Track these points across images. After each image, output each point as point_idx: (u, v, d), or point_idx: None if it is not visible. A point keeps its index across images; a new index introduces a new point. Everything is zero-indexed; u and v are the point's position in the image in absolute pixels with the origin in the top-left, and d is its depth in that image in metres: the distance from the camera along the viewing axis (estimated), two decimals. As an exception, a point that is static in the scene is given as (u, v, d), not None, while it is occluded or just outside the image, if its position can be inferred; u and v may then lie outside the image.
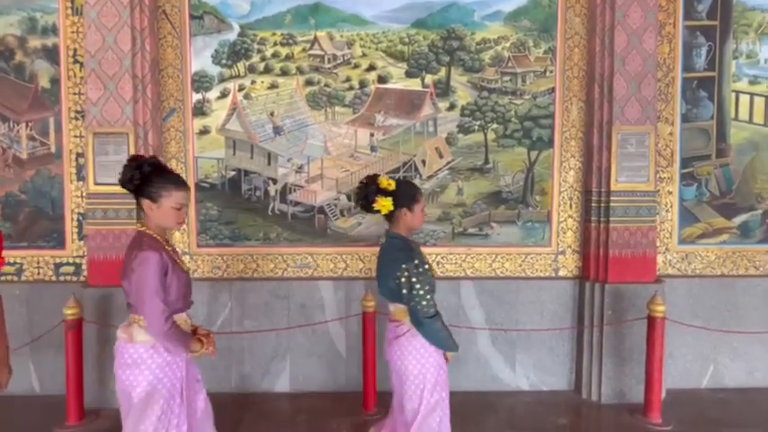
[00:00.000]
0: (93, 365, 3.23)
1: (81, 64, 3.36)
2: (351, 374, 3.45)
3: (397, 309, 2.09)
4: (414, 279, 1.96)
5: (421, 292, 1.96)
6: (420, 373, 2.03)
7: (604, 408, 3.24)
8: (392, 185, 2.02)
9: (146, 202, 1.84)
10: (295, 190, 3.48)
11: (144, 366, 1.81)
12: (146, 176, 1.81)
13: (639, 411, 3.06)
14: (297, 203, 3.49)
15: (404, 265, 1.97)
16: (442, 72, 3.45)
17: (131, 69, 3.19)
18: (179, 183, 1.87)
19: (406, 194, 2.04)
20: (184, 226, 3.51)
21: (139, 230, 1.88)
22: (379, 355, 3.20)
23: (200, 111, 3.46)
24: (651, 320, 2.99)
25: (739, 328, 3.47)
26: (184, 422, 1.87)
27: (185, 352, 1.87)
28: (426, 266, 2.04)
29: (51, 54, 3.42)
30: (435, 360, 2.05)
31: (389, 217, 2.06)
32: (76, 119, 3.44)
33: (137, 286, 1.79)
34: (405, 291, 1.99)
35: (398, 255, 2.01)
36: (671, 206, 3.55)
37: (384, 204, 2.00)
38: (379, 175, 2.08)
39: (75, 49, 3.40)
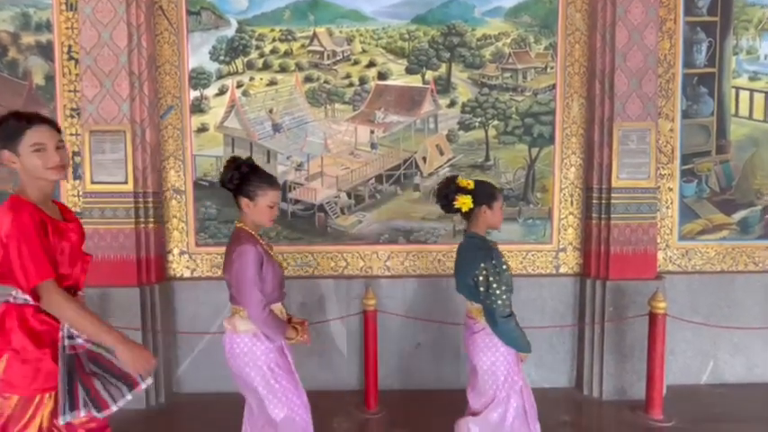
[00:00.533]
0: (92, 366, 3.20)
1: (76, 60, 3.31)
2: (352, 373, 3.44)
3: (473, 307, 2.17)
4: (491, 278, 2.02)
5: (497, 292, 2.02)
6: (490, 369, 2.12)
7: (606, 404, 3.25)
8: (471, 184, 2.11)
9: (243, 201, 1.98)
10: (295, 188, 3.45)
11: (252, 355, 1.99)
12: (244, 176, 1.95)
13: (641, 408, 3.07)
14: (297, 201, 3.46)
15: (482, 264, 2.04)
16: (443, 68, 3.43)
17: (128, 66, 3.14)
18: (273, 183, 2.01)
19: (484, 192, 2.12)
20: (183, 224, 3.48)
21: (238, 227, 2.04)
22: (381, 354, 3.19)
23: (197, 108, 3.41)
24: (652, 317, 2.99)
25: (739, 323, 3.48)
26: (303, 392, 2.08)
27: (282, 338, 2.03)
28: (504, 266, 2.09)
29: (45, 50, 3.36)
30: (506, 358, 2.12)
31: (468, 215, 2.14)
32: (72, 116, 3.39)
33: (236, 278, 1.94)
34: (482, 289, 2.05)
35: (477, 254, 2.08)
36: (671, 203, 3.56)
37: (464, 202, 2.08)
38: (457, 176, 2.20)
39: (69, 46, 3.35)
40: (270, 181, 2.00)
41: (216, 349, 3.40)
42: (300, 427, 2.06)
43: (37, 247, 1.55)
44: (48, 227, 1.61)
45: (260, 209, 1.97)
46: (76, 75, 3.33)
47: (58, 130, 1.67)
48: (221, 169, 3.39)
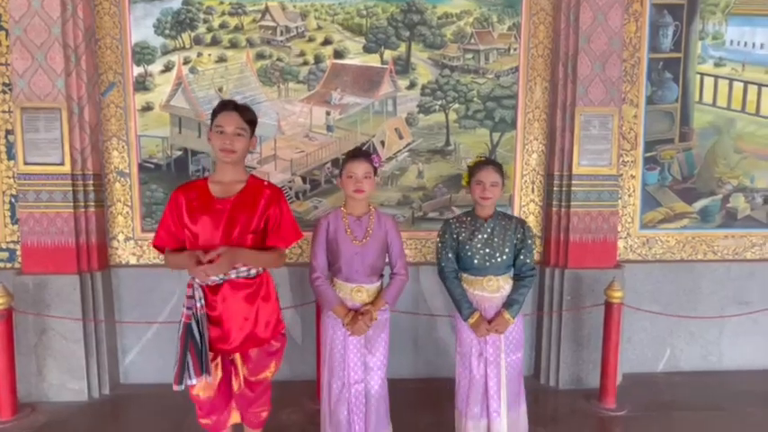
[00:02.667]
0: (29, 357, 3.04)
1: (6, 31, 3.07)
2: (307, 362, 3.35)
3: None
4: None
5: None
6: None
7: (561, 393, 3.23)
8: (472, 163, 2.38)
9: (338, 179, 2.23)
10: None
11: (326, 321, 2.28)
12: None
13: (595, 397, 3.05)
14: (249, 186, 3.30)
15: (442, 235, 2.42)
16: (402, 48, 3.28)
17: (62, 38, 2.91)
18: (350, 155, 2.18)
19: (469, 170, 2.34)
20: (128, 209, 3.30)
21: None
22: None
23: (141, 85, 3.21)
24: (608, 306, 2.95)
25: (697, 312, 3.49)
26: (340, 367, 2.22)
27: (326, 308, 2.23)
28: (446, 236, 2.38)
29: (-27, 19, 3.11)
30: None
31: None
32: (4, 92, 3.16)
33: None
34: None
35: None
36: (633, 190, 3.51)
37: (464, 177, 2.41)
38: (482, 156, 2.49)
39: (-1, 14, 3.10)
40: (350, 154, 2.19)
41: (165, 338, 3.29)
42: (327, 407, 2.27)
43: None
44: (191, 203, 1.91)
45: (343, 181, 2.17)
46: (7, 47, 3.09)
47: (249, 119, 1.94)
48: (168, 151, 3.29)
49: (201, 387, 1.94)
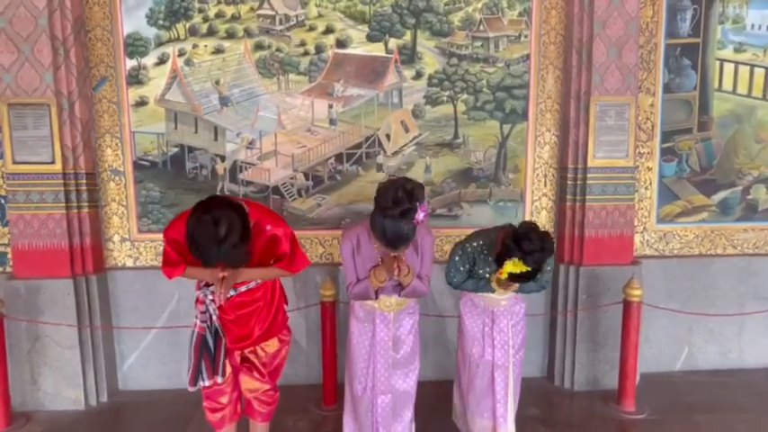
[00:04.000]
0: (23, 365, 2.92)
1: (-10, 23, 2.91)
2: (311, 365, 3.23)
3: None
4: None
5: None
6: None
7: (577, 395, 3.11)
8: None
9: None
10: (246, 168, 3.15)
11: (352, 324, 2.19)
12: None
13: (613, 399, 2.93)
14: (249, 183, 3.16)
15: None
16: (408, 36, 3.12)
17: (49, 30, 2.76)
18: (390, 242, 1.85)
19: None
20: (123, 209, 3.17)
21: None
22: (340, 346, 2.98)
23: (135, 79, 3.06)
24: (627, 305, 2.82)
25: (715, 308, 3.36)
26: (363, 373, 2.14)
27: (373, 295, 2.03)
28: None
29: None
30: None
31: None
32: (-10, 88, 3.00)
33: None
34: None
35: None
36: (650, 183, 3.36)
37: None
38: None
39: (-17, 6, 2.93)
40: (389, 239, 1.83)
41: (164, 343, 3.17)
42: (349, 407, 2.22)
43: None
44: None
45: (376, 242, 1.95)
46: (-8, 40, 2.93)
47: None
48: (163, 148, 3.14)
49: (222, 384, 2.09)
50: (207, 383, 2.01)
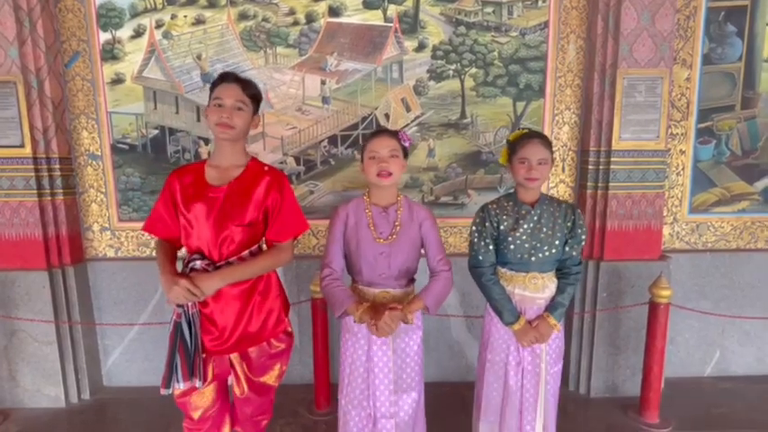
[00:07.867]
0: (0, 361, 2.77)
1: (-50, -7, 2.67)
2: (304, 364, 3.01)
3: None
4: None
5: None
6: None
7: (593, 403, 2.83)
8: (513, 137, 1.95)
9: (360, 164, 1.85)
10: (232, 152, 2.88)
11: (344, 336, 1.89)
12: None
13: (633, 408, 2.65)
14: (235, 168, 2.90)
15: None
16: (409, 2, 2.77)
17: (12, 0, 2.51)
18: (375, 133, 1.83)
19: (509, 146, 1.94)
20: (102, 196, 2.95)
21: None
22: (332, 345, 2.75)
23: (110, 54, 2.80)
24: (653, 307, 2.51)
25: (754, 309, 3.01)
26: (363, 395, 1.83)
27: (336, 312, 1.77)
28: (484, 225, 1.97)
29: None
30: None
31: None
32: (-45, 65, 2.79)
33: None
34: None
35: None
36: (683, 168, 2.99)
37: (502, 154, 1.99)
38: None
39: (-58, -26, 2.69)
40: (373, 133, 1.83)
41: (150, 337, 2.99)
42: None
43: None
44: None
45: (365, 165, 1.78)
46: (-46, 11, 2.70)
47: (252, 94, 1.72)
48: (143, 129, 2.89)
49: (197, 394, 1.77)
50: (181, 386, 1.64)
